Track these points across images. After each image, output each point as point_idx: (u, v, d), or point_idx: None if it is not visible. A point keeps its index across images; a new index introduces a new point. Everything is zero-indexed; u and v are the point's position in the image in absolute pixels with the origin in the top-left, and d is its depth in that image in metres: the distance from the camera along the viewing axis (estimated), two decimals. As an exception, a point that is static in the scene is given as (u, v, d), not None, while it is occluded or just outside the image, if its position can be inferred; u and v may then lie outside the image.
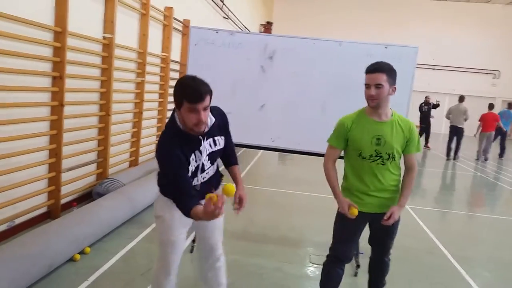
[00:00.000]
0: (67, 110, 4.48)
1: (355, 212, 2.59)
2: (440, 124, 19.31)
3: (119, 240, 4.01)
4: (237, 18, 13.03)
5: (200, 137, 2.19)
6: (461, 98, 11.85)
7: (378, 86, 2.51)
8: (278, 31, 18.18)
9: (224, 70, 3.95)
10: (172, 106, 7.01)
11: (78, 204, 4.75)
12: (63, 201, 4.59)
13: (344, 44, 3.91)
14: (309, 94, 3.96)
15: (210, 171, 2.35)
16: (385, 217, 2.59)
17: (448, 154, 11.92)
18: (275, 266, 3.74)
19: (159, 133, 7.30)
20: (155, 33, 6.82)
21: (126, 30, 5.78)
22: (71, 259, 3.46)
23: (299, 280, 3.57)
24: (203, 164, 2.25)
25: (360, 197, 2.68)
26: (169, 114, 7.55)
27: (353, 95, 3.88)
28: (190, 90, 2.02)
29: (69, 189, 4.75)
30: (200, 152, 2.21)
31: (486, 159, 11.93)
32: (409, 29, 20.34)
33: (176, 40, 7.84)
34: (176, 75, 8.08)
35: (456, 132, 11.71)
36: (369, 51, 3.84)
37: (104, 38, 5.13)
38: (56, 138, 4.35)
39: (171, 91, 7.49)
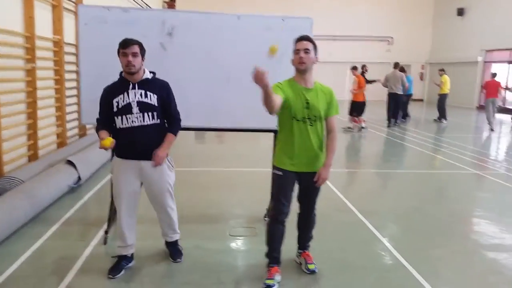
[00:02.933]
0: None
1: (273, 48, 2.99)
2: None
3: (23, 241, 3.70)
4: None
5: (130, 83, 2.99)
6: (396, 65, 12.05)
7: (307, 51, 2.93)
8: (183, 8, 17.65)
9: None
10: (70, 92, 6.56)
11: (-29, 208, 4.28)
12: (-48, 207, 4.10)
13: (242, 17, 3.91)
14: (213, 69, 3.92)
15: (139, 118, 2.99)
16: (315, 179, 3.01)
17: (389, 120, 12.29)
18: (195, 244, 3.73)
19: (59, 122, 6.81)
20: (43, 14, 6.24)
21: (8, 12, 5.19)
22: (-33, 269, 3.14)
23: (219, 254, 3.61)
24: (130, 107, 2.97)
25: (291, 157, 3.04)
26: (68, 100, 7.08)
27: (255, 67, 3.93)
28: (122, 40, 2.95)
29: (-42, 194, 4.26)
30: (128, 95, 2.98)
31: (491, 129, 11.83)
32: (308, 1, 20.99)
33: (69, 21, 7.24)
34: (73, 59, 7.51)
35: (394, 99, 12.11)
36: (267, 24, 3.90)
37: (-20, 21, 4.58)
38: None
39: (68, 76, 7.08)
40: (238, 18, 3.92)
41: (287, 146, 3.06)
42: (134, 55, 2.92)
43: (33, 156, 5.86)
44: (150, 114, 3.02)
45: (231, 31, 3.90)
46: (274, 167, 3.14)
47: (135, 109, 2.98)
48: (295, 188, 3.15)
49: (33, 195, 4.23)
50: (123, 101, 2.98)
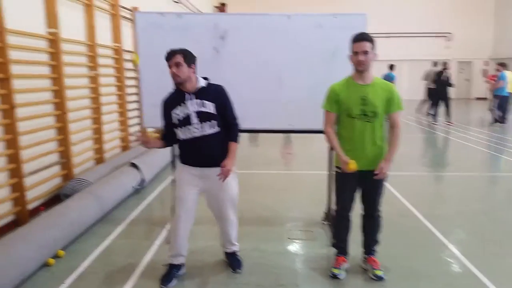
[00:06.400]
0: (20, 112, 4.27)
1: (352, 166, 2.92)
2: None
3: (93, 240, 3.92)
4: (188, 1, 12.72)
5: (186, 94, 2.95)
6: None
7: (366, 52, 2.87)
8: (233, 12, 17.91)
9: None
10: (131, 98, 6.80)
11: (46, 207, 4.59)
12: (30, 206, 4.43)
13: (293, 17, 3.88)
14: (265, 71, 3.92)
15: (200, 129, 2.96)
16: (376, 172, 2.97)
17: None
18: (253, 246, 3.76)
19: (123, 127, 7.13)
20: (103, 23, 6.56)
21: (71, 23, 5.51)
22: (45, 264, 3.36)
23: (277, 256, 3.60)
24: (189, 118, 2.95)
25: (351, 156, 2.98)
26: (130, 106, 7.40)
27: (307, 66, 3.90)
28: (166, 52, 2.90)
29: (35, 194, 4.58)
30: (186, 106, 2.95)
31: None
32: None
33: (127, 29, 7.57)
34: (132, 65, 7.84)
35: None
36: (318, 22, 3.84)
37: (49, 33, 4.88)
38: (12, 142, 4.15)
39: (128, 82, 7.39)
40: (289, 18, 3.89)
41: (344, 144, 3.04)
42: (177, 65, 2.86)
43: (99, 159, 6.18)
44: (209, 123, 2.97)
45: (282, 32, 3.88)
46: (335, 166, 3.18)
47: (195, 119, 2.94)
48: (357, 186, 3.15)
49: (101, 196, 4.46)
50: (182, 113, 2.96)
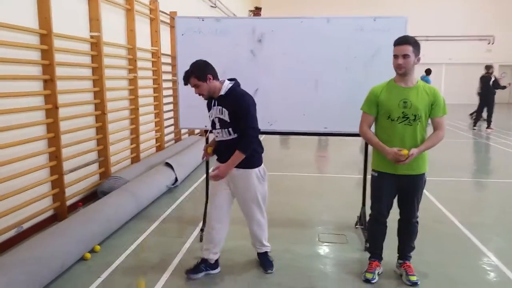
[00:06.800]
0: (62, 112, 4.46)
1: (405, 152, 2.85)
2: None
3: (128, 235, 4.03)
4: (225, 6, 12.90)
5: (213, 100, 3.08)
6: None
7: (405, 56, 2.83)
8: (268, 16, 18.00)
9: (214, 58, 3.84)
10: (166, 100, 7.00)
11: (84, 204, 4.77)
12: (68, 202, 4.60)
13: (332, 20, 3.84)
14: (301, 74, 3.90)
15: (220, 134, 3.07)
16: (409, 154, 2.86)
17: None
18: (284, 247, 3.75)
19: (158, 128, 7.31)
20: (142, 27, 6.76)
21: (113, 27, 5.72)
22: (82, 258, 3.49)
23: (309, 259, 3.58)
24: (214, 123, 3.09)
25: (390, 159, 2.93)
26: (165, 107, 7.58)
27: (345, 69, 3.86)
28: None
29: (73, 190, 4.76)
30: (212, 111, 3.09)
31: None
32: (399, 1, 20.14)
33: (165, 33, 7.77)
34: (169, 68, 8.03)
35: None
36: (358, 25, 3.77)
37: (92, 37, 5.08)
38: (54, 141, 4.33)
39: (165, 84, 7.58)
40: (328, 21, 3.84)
41: None
42: (195, 87, 3.00)
43: (135, 159, 6.36)
44: (226, 130, 3.03)
45: (320, 35, 3.84)
46: (372, 170, 3.14)
47: (217, 124, 3.08)
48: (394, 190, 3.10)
49: (136, 194, 4.59)
50: (211, 117, 3.13)
